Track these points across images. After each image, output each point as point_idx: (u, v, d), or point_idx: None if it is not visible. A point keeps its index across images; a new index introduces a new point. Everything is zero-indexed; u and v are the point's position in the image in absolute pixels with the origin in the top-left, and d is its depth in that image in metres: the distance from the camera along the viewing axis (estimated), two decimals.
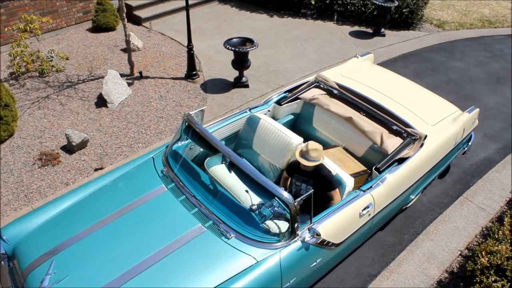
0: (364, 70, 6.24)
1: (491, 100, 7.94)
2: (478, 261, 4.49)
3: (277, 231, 3.87)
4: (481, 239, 5.32)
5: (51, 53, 8.32)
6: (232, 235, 3.77)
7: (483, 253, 4.53)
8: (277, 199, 3.83)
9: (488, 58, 9.37)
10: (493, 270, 4.38)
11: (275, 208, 3.95)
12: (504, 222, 4.94)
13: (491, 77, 8.68)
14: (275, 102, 5.53)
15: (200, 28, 9.87)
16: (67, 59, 8.33)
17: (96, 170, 5.99)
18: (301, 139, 4.90)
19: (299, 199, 3.68)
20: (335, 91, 5.57)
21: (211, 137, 4.18)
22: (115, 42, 9.20)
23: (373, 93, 5.55)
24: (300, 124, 5.68)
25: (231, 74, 8.13)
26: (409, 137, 4.94)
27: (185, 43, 9.05)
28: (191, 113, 4.44)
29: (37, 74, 8.00)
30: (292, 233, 3.80)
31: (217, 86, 7.90)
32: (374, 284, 4.82)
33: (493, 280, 4.28)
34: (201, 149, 5.01)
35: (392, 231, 5.40)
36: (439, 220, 5.58)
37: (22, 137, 6.53)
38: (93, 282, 3.47)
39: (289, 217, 3.73)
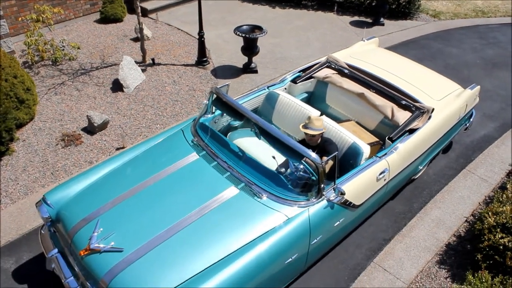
0: (370, 52, 6.59)
1: (488, 83, 8.34)
2: (486, 221, 4.86)
3: (305, 191, 4.17)
4: (485, 207, 5.68)
5: (62, 42, 8.55)
6: (264, 195, 4.07)
7: (490, 213, 4.89)
8: (303, 162, 4.14)
9: (483, 45, 9.79)
10: (499, 229, 4.74)
11: (301, 173, 4.27)
12: (508, 187, 5.30)
13: (486, 62, 9.10)
14: (290, 81, 5.85)
15: (205, 19, 10.03)
16: (78, 48, 8.56)
17: (117, 149, 6.25)
18: (319, 112, 5.24)
19: (326, 159, 4.00)
20: (346, 71, 5.90)
21: (239, 106, 4.49)
22: (124, 32, 9.45)
23: (381, 72, 5.88)
24: (313, 102, 5.99)
25: (239, 61, 8.43)
26: (418, 110, 5.28)
27: (192, 33, 9.41)
28: (218, 86, 4.74)
29: (50, 63, 8.21)
30: (318, 192, 4.11)
31: (227, 72, 8.20)
32: (388, 247, 5.16)
33: (500, 237, 4.65)
34: (224, 124, 5.32)
35: (403, 200, 5.75)
36: (445, 190, 5.94)
37: (42, 120, 6.76)
38: (138, 237, 3.74)
39: (317, 177, 4.04)
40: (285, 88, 5.80)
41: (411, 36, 9.95)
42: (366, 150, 4.77)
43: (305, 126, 4.54)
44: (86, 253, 3.68)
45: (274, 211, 3.99)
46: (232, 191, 4.11)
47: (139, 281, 3.49)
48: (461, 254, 5.12)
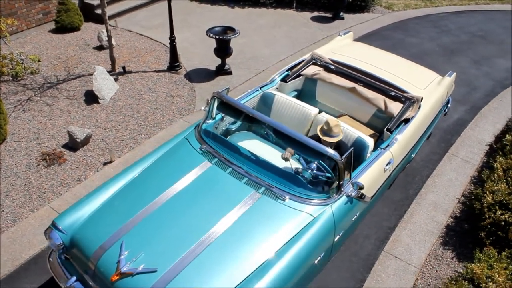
0: (349, 46, 6.73)
1: (450, 69, 8.71)
2: (484, 200, 5.12)
3: (325, 189, 4.20)
4: (472, 187, 5.99)
5: (20, 55, 8.02)
6: (287, 197, 4.04)
7: (487, 192, 5.16)
8: (320, 160, 4.16)
9: (438, 33, 10.29)
10: (497, 206, 5.01)
11: (315, 171, 4.29)
12: (496, 166, 5.62)
13: (445, 49, 9.57)
14: (280, 80, 5.85)
15: (167, 22, 9.86)
16: (39, 61, 8.04)
17: (105, 164, 5.97)
18: (317, 110, 5.28)
19: (344, 155, 4.04)
20: (332, 67, 5.98)
21: (249, 109, 4.43)
22: (85, 41, 9.02)
23: (365, 65, 6.00)
24: (304, 99, 5.97)
25: (211, 64, 8.31)
26: (408, 100, 5.46)
27: (156, 38, 9.20)
28: (219, 91, 4.64)
29: (11, 78, 7.68)
30: (338, 188, 4.15)
31: (201, 75, 8.06)
32: (394, 235, 5.31)
33: (500, 213, 4.92)
34: (223, 128, 5.22)
35: (398, 189, 5.93)
36: (434, 175, 6.20)
37: (16, 140, 6.31)
38: (169, 255, 3.59)
39: (336, 174, 4.07)
40: (277, 88, 5.80)
41: (372, 28, 10.28)
42: (370, 143, 4.86)
43: (324, 133, 4.55)
44: (117, 278, 3.49)
45: (300, 211, 3.98)
46: (254, 196, 4.05)
47: None
48: (461, 234, 5.36)
